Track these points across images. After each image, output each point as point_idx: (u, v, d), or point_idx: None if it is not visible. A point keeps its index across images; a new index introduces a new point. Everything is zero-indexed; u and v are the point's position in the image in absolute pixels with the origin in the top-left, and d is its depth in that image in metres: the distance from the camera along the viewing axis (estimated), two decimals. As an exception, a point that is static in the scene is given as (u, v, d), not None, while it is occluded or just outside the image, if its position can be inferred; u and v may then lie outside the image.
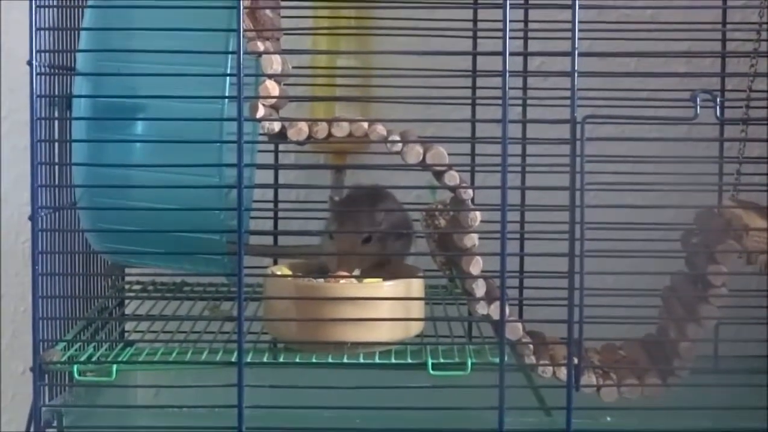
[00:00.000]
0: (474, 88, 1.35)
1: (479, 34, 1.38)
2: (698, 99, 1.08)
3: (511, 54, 1.10)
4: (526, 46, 1.35)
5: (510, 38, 1.11)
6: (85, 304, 1.31)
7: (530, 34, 1.35)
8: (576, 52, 1.09)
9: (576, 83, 1.10)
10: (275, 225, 1.43)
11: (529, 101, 1.34)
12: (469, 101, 1.36)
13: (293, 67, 1.20)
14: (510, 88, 1.11)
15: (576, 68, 1.09)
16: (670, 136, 1.24)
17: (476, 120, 1.33)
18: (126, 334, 1.35)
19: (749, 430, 1.13)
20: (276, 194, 1.44)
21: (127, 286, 1.44)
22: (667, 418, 1.15)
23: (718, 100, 1.08)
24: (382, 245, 1.23)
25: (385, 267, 1.24)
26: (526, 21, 1.35)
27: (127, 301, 1.43)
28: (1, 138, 1.59)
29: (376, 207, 1.24)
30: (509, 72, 1.10)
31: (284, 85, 1.18)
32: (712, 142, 1.34)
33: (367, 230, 1.22)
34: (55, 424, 1.16)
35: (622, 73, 1.17)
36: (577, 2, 1.09)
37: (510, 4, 1.10)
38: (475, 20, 1.39)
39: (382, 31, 1.28)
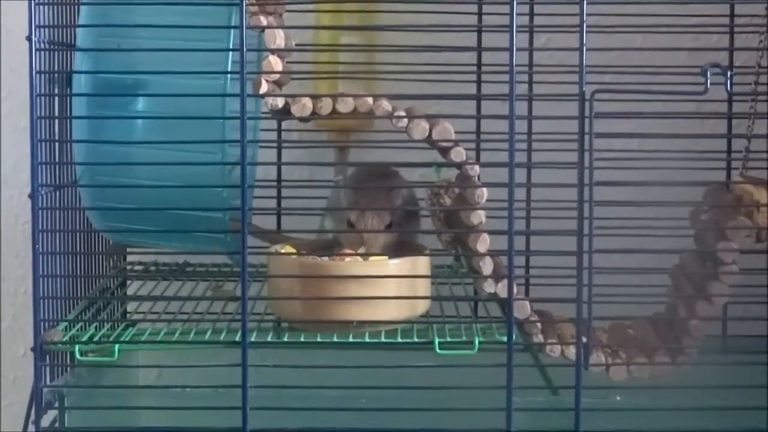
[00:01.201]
0: (479, 64, 1.34)
1: (484, 9, 1.36)
2: (708, 73, 1.07)
3: (517, 30, 1.09)
4: (531, 20, 1.33)
5: (516, 14, 1.09)
6: (86, 284, 1.29)
7: (536, 10, 1.34)
8: (584, 27, 1.08)
9: (585, 58, 1.08)
10: (279, 203, 1.41)
11: (535, 77, 1.32)
12: (475, 78, 1.34)
13: (297, 45, 1.18)
14: (516, 65, 1.09)
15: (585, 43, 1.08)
16: (679, 113, 1.23)
17: (482, 96, 1.31)
18: (128, 315, 1.33)
19: (759, 408, 1.12)
20: (279, 172, 1.42)
21: (129, 266, 1.42)
22: (676, 397, 1.14)
23: (728, 73, 1.06)
24: (399, 225, 1.23)
25: (400, 246, 1.23)
26: (532, -4, 1.34)
27: (129, 282, 1.41)
28: (1, 118, 1.57)
29: (391, 189, 1.22)
30: (516, 48, 1.08)
31: (287, 62, 1.16)
32: (720, 119, 1.32)
33: (389, 214, 1.21)
34: (56, 404, 1.15)
35: (629, 48, 1.16)
36: (584, -24, 1.08)
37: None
38: (480, -1, 1.37)
39: (386, 7, 1.27)
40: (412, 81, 1.15)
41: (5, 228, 1.58)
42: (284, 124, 1.41)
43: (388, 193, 1.21)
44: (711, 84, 1.07)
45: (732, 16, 1.33)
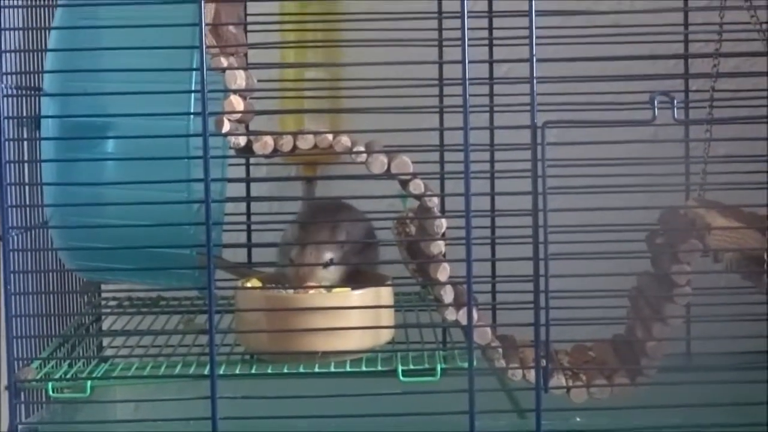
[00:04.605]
0: (441, 96, 1.36)
1: (445, 43, 1.39)
2: (656, 101, 1.10)
3: (473, 62, 1.12)
4: (491, 53, 1.36)
5: (475, 46, 1.12)
6: (61, 322, 1.32)
7: (495, 42, 1.37)
8: (534, 59, 1.11)
9: (536, 89, 1.11)
10: (248, 237, 1.44)
11: (495, 108, 1.35)
12: (437, 110, 1.37)
13: (262, 81, 1.21)
14: (476, 96, 1.12)
15: (535, 74, 1.11)
16: (636, 139, 1.25)
17: (443, 129, 1.33)
18: (103, 350, 1.36)
19: (719, 425, 1.14)
20: (248, 207, 1.45)
21: (103, 302, 1.44)
22: (637, 417, 1.16)
23: (674, 101, 1.09)
24: (347, 259, 1.25)
25: (355, 277, 1.25)
26: (490, 29, 1.36)
27: (103, 317, 1.44)
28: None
29: (335, 225, 1.25)
30: (471, 80, 1.11)
31: (251, 99, 1.19)
32: (679, 143, 1.35)
33: (330, 250, 1.23)
34: (32, 441, 1.17)
35: (584, 77, 1.18)
36: (533, 10, 1.11)
37: (471, 14, 1.12)
38: (440, 29, 1.40)
39: (349, 43, 1.30)
40: (376, 114, 1.18)
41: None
42: (252, 159, 1.43)
43: (331, 229, 1.24)
44: (668, 110, 1.10)
45: (686, 42, 1.36)
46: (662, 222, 1.22)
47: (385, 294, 1.21)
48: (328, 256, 1.23)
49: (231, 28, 1.16)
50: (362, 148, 1.13)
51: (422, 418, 1.14)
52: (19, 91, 1.20)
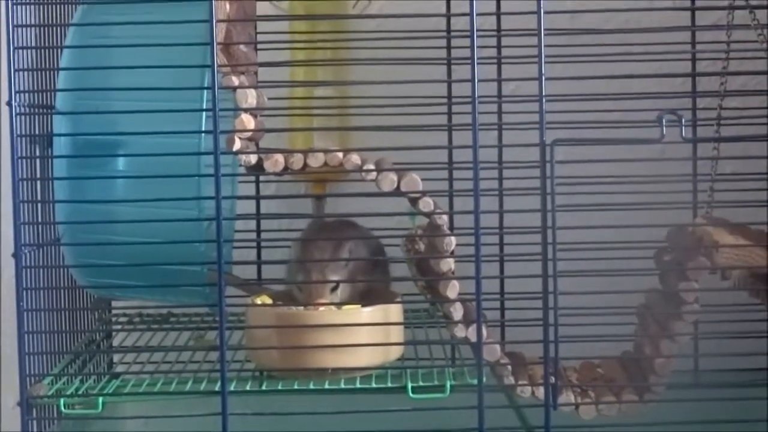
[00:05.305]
0: (450, 114, 1.37)
1: (454, 61, 1.40)
2: (664, 120, 1.10)
3: (482, 80, 1.13)
4: (499, 72, 1.37)
5: (484, 64, 1.13)
6: (72, 338, 1.33)
7: (504, 60, 1.37)
8: (543, 77, 1.12)
9: (544, 107, 1.12)
10: (258, 255, 1.45)
11: (504, 126, 1.36)
12: (446, 128, 1.38)
13: (271, 99, 1.22)
14: (484, 113, 1.13)
15: (544, 93, 1.12)
16: (644, 157, 1.26)
17: (452, 147, 1.34)
18: (114, 366, 1.36)
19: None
20: (258, 224, 1.45)
21: (113, 319, 1.45)
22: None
23: (683, 120, 1.10)
24: (354, 276, 1.25)
25: (366, 294, 1.26)
26: (498, 47, 1.37)
27: (114, 333, 1.44)
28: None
29: (337, 245, 1.24)
30: (479, 98, 1.12)
31: (262, 116, 1.20)
32: (687, 161, 1.35)
33: (335, 269, 1.23)
34: (43, 457, 1.18)
35: (593, 95, 1.19)
36: (542, 29, 1.12)
37: (480, 32, 1.12)
38: (449, 47, 1.41)
39: (358, 62, 1.31)
40: (385, 131, 1.18)
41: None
42: (261, 176, 1.44)
43: (333, 250, 1.24)
44: (675, 128, 1.11)
45: (693, 61, 1.37)
46: (670, 239, 1.23)
47: (394, 311, 1.22)
48: (333, 278, 1.23)
49: (242, 47, 1.17)
50: (372, 166, 1.14)
51: (433, 433, 1.15)
52: (32, 110, 1.21)
